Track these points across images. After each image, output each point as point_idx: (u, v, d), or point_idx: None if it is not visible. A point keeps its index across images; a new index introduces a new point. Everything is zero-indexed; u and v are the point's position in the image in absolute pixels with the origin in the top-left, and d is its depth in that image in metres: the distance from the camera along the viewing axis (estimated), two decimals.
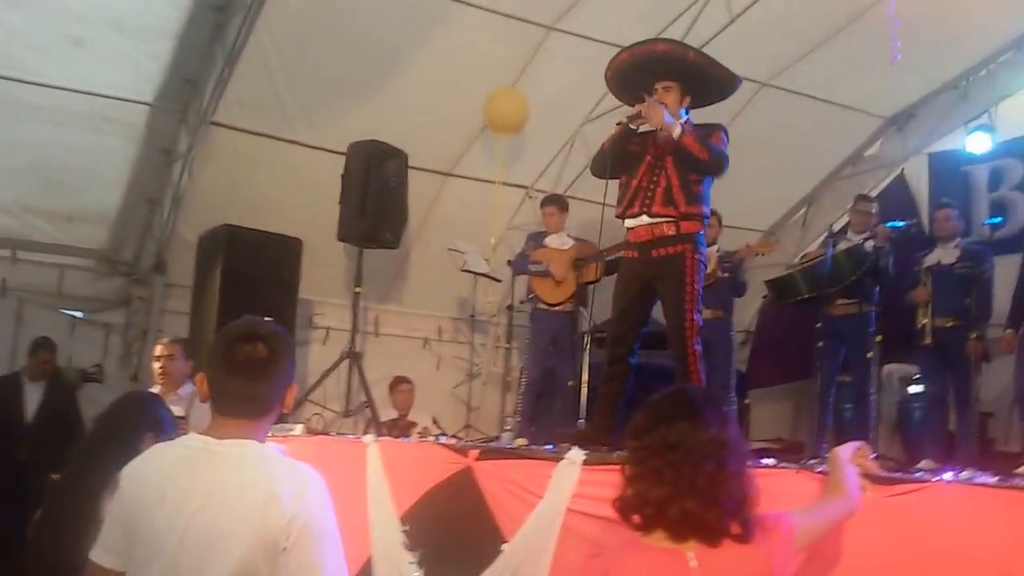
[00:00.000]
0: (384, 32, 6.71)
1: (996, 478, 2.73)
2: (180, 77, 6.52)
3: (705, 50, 7.04)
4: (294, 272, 7.03)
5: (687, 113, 4.53)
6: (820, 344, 6.23)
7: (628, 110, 4.57)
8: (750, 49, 6.67)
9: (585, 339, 7.73)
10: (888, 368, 7.88)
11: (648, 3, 6.91)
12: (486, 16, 6.72)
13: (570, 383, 6.47)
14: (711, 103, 4.70)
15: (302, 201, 7.24)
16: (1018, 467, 5.67)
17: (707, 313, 6.47)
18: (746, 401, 8.29)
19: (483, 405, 8.27)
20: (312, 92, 6.94)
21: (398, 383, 7.57)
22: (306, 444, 4.85)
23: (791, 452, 7.39)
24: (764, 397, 8.96)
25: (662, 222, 4.35)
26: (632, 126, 4.42)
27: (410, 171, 7.23)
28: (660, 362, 7.76)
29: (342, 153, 6.77)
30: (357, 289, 6.61)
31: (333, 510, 2.17)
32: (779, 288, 6.87)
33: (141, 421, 3.32)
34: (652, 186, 4.37)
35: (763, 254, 7.13)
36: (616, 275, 4.67)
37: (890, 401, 7.86)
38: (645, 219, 4.37)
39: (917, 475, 2.90)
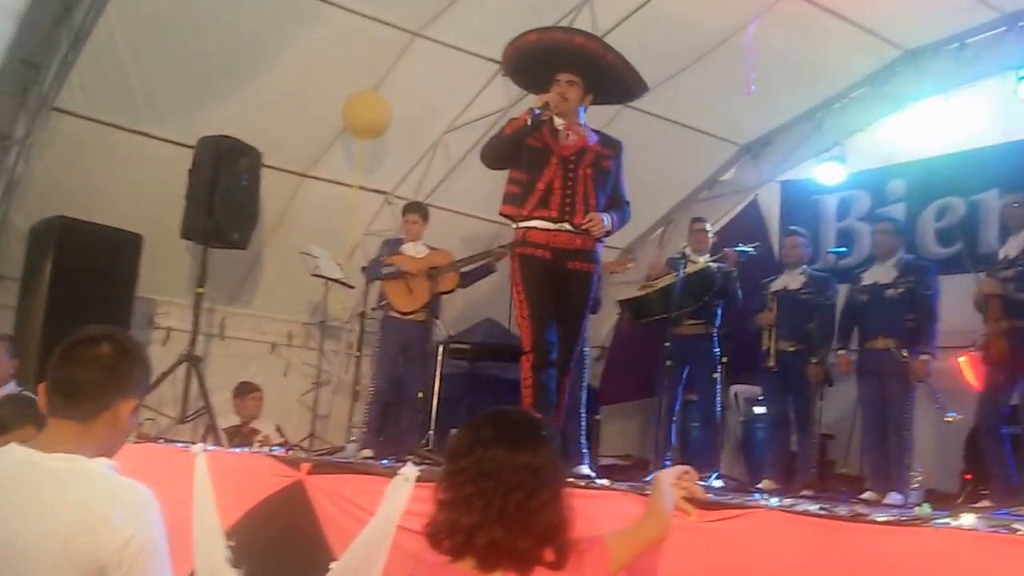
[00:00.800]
0: (245, 26, 6.46)
1: (819, 507, 2.77)
2: (19, 59, 6.10)
3: None
4: (132, 269, 6.70)
5: (584, 111, 4.39)
6: (667, 363, 6.30)
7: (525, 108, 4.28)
8: None
9: (439, 350, 7.65)
10: (735, 388, 8.11)
11: (516, 16, 6.85)
12: (351, 18, 6.56)
13: (420, 395, 6.31)
14: (610, 103, 4.64)
15: (146, 195, 6.89)
16: (861, 492, 5.96)
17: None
18: (597, 417, 8.37)
19: (332, 414, 8.05)
20: (163, 82, 6.60)
21: (248, 390, 7.26)
22: (129, 451, 4.56)
23: (637, 468, 7.50)
24: (616, 413, 9.07)
25: (584, 235, 4.22)
26: (542, 116, 4.17)
27: (265, 170, 7.04)
28: (506, 375, 7.85)
29: (191, 147, 6.51)
30: (199, 289, 6.35)
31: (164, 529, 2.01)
32: (635, 308, 6.96)
33: None
34: (569, 192, 4.19)
35: (619, 272, 7.20)
36: (520, 273, 4.29)
37: (736, 421, 8.10)
38: (567, 227, 4.19)
39: (742, 500, 2.92)
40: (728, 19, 6.20)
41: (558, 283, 4.24)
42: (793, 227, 7.10)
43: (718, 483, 5.90)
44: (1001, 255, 5.56)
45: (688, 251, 6.77)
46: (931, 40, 7.37)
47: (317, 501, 3.68)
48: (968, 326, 5.81)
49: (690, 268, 6.48)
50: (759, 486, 6.19)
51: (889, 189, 7.87)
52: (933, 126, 7.54)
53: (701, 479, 5.64)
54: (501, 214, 4.40)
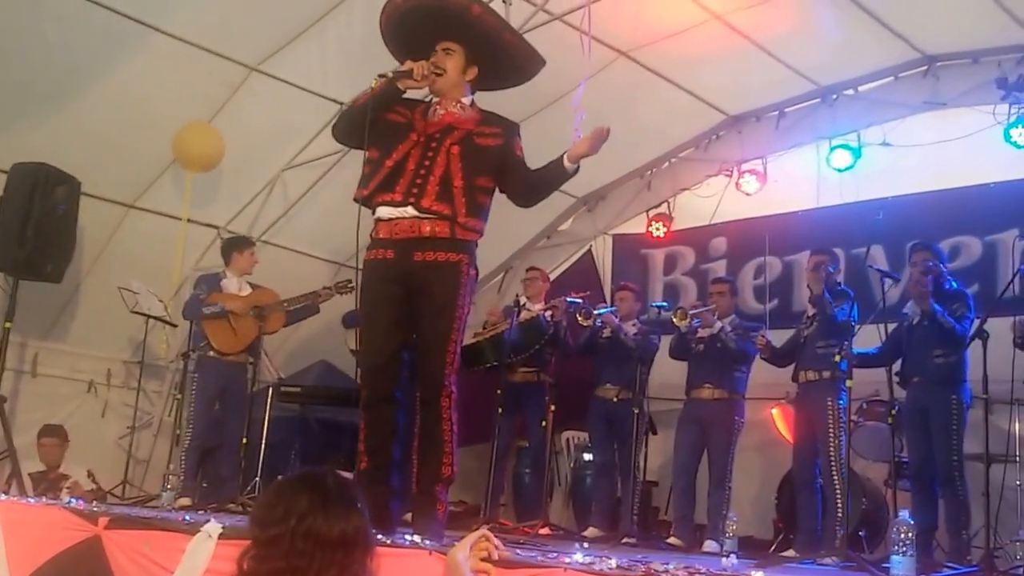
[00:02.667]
0: (68, 49, 6.17)
1: (616, 563, 2.83)
2: None
3: None
4: None
5: (472, 92, 3.79)
6: (500, 410, 6.35)
7: None
8: None
9: (268, 393, 7.44)
10: (567, 435, 8.27)
11: (357, 58, 6.87)
12: (186, 48, 6.37)
13: (244, 440, 6.10)
14: (507, 85, 3.92)
15: None
16: (667, 537, 6.15)
17: None
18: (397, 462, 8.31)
19: (154, 458, 7.69)
20: None
21: (45, 434, 6.81)
22: None
23: (470, 514, 7.50)
24: (463, 456, 9.04)
25: (434, 219, 3.50)
26: (399, 85, 3.58)
27: (87, 200, 6.73)
28: (339, 419, 7.73)
29: (3, 172, 6.18)
30: (7, 323, 5.98)
31: None
32: (467, 356, 6.97)
33: None
34: (423, 172, 3.53)
35: None
36: (363, 287, 3.67)
37: (567, 467, 8.24)
38: (411, 211, 3.50)
39: (544, 558, 2.96)
40: (565, 75, 6.39)
41: (406, 286, 3.54)
42: (624, 281, 7.37)
43: (544, 531, 5.97)
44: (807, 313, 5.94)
45: (523, 299, 6.88)
46: (753, 107, 7.88)
47: (114, 558, 3.50)
48: (780, 379, 6.15)
49: (523, 316, 6.58)
50: (584, 534, 6.31)
51: (711, 247, 8.30)
52: (753, 188, 8.01)
53: (528, 530, 5.73)
54: (354, 200, 3.65)
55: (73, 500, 4.36)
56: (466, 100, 3.75)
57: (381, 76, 3.58)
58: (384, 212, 3.57)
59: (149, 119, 6.66)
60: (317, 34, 6.58)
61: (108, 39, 6.21)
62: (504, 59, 3.78)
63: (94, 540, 3.64)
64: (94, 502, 4.98)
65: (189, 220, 7.15)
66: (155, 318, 7.00)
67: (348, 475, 4.59)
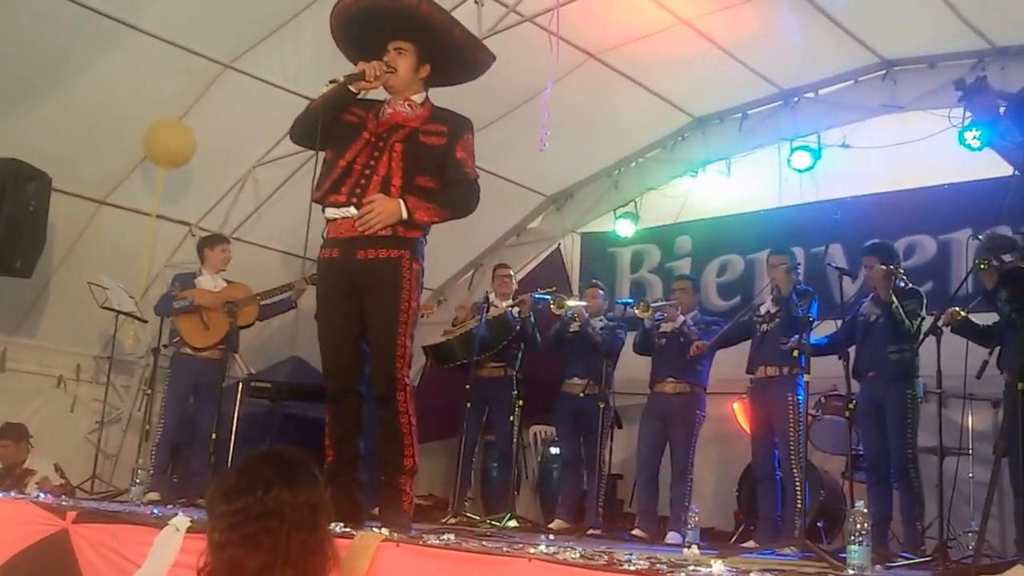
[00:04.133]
0: (42, 46, 6.16)
1: (579, 553, 2.92)
2: None
3: None
4: None
5: (425, 89, 3.80)
6: (467, 405, 6.44)
7: None
8: None
9: (239, 388, 7.46)
10: (535, 429, 8.38)
11: (329, 55, 6.90)
12: (158, 44, 6.38)
13: (213, 435, 6.13)
14: (459, 81, 3.94)
15: None
16: (632, 529, 6.27)
17: None
18: (362, 456, 8.37)
19: (123, 453, 7.68)
20: None
21: (2, 436, 6.70)
22: None
23: (438, 508, 7.59)
24: (421, 453, 9.10)
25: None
26: (352, 88, 3.62)
27: (58, 196, 6.72)
28: (309, 414, 7.75)
29: None
30: None
31: None
32: (438, 354, 7.06)
33: None
34: (368, 172, 3.59)
35: (426, 316, 7.30)
36: (317, 287, 3.83)
37: (534, 461, 8.35)
38: (353, 211, 3.55)
39: (508, 548, 3.04)
40: (535, 76, 6.48)
41: (352, 283, 3.61)
42: (593, 279, 7.48)
43: (512, 524, 6.08)
44: (763, 310, 6.08)
45: (492, 296, 6.98)
46: (717, 109, 8.02)
47: (81, 551, 3.53)
48: (742, 374, 6.29)
49: (491, 313, 6.68)
50: (550, 526, 6.42)
51: (677, 245, 8.44)
52: (716, 188, 8.15)
53: (497, 520, 5.83)
54: (312, 200, 3.71)
55: (41, 494, 4.38)
56: (417, 98, 3.75)
57: (332, 81, 3.65)
58: (330, 212, 3.64)
59: (121, 115, 6.67)
60: (290, 32, 6.62)
61: (81, 35, 6.21)
62: (455, 56, 3.81)
63: (61, 534, 3.66)
64: (62, 496, 5.00)
65: (160, 217, 7.20)
66: (125, 314, 6.99)
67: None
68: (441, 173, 3.70)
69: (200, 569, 2.09)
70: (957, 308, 5.12)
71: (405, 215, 3.52)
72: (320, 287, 3.75)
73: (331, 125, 3.63)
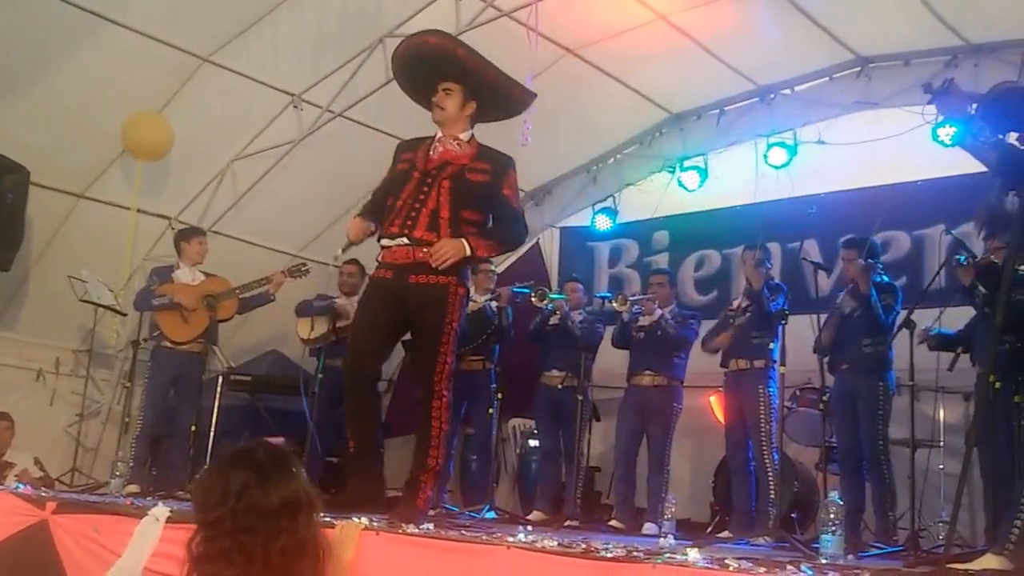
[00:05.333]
0: (19, 39, 6.17)
1: (557, 542, 2.97)
2: None
3: (360, 105, 7.31)
4: None
5: (472, 125, 4.16)
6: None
7: None
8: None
9: (219, 382, 7.48)
10: (513, 422, 8.42)
11: (307, 50, 6.95)
12: (136, 38, 6.39)
13: (193, 428, 6.15)
14: (503, 117, 4.34)
15: None
16: (609, 520, 6.33)
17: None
18: (381, 449, 8.40)
19: (103, 446, 7.67)
20: None
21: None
22: None
23: None
24: (401, 446, 9.13)
25: (424, 247, 3.90)
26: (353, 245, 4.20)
27: (36, 189, 6.71)
28: (288, 408, 7.79)
29: None
30: None
31: None
32: None
33: None
34: (417, 205, 3.95)
35: None
36: (364, 297, 4.22)
37: (513, 454, 8.39)
38: (404, 240, 3.93)
39: (486, 537, 3.09)
40: (513, 71, 6.48)
41: (402, 302, 3.97)
42: (573, 274, 7.52)
43: (490, 515, 6.11)
44: (735, 304, 6.15)
45: (472, 291, 7.00)
46: (694, 105, 8.09)
47: (61, 542, 3.55)
48: (717, 367, 6.35)
49: (470, 307, 6.70)
50: (529, 517, 6.46)
51: (655, 240, 8.51)
52: (694, 184, 8.22)
53: (476, 511, 5.86)
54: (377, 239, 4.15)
55: (20, 485, 4.39)
56: (464, 136, 4.12)
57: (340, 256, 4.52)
58: (385, 242, 4.04)
59: (99, 109, 6.67)
60: (269, 25, 6.64)
61: (59, 29, 6.20)
62: (495, 95, 4.20)
63: (41, 525, 3.67)
64: (42, 488, 5.00)
65: (139, 210, 7.17)
66: (104, 307, 6.99)
67: (278, 440, 4.86)
68: (485, 207, 4.07)
69: None
70: (924, 329, 5.22)
71: (469, 252, 3.91)
72: (368, 297, 4.18)
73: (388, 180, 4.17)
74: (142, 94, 6.76)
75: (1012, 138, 3.35)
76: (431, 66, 4.12)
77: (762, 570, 2.46)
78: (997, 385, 4.28)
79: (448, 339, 3.93)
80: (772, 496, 5.52)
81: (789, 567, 2.52)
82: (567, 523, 6.02)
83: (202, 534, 2.07)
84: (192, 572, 2.08)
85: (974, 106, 3.56)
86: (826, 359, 5.36)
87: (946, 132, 6.52)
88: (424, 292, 3.92)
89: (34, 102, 6.48)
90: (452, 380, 6.10)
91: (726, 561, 2.58)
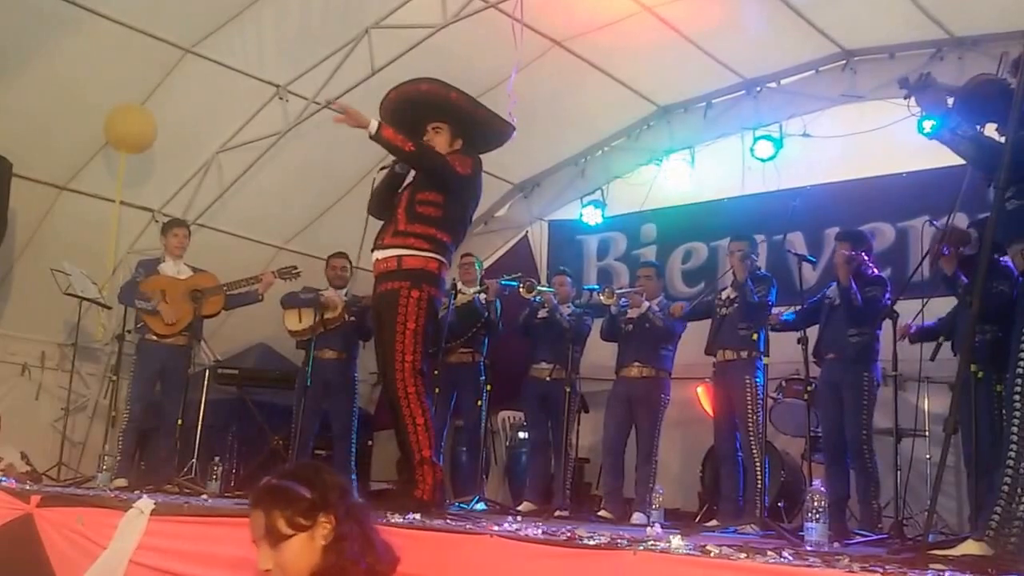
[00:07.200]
0: (0, 31, 6.10)
1: (542, 531, 2.99)
2: None
3: (346, 97, 7.29)
4: None
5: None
6: (436, 390, 6.46)
7: None
8: None
9: (205, 375, 7.46)
10: (503, 414, 8.43)
11: (291, 41, 6.92)
12: (119, 29, 6.36)
13: (179, 421, 6.13)
14: (488, 149, 4.59)
15: None
16: (598, 511, 6.34)
17: (331, 354, 6.59)
18: (370, 442, 8.43)
19: (89, 440, 7.65)
20: None
21: None
22: None
23: (408, 493, 7.61)
24: (389, 438, 9.14)
25: (388, 256, 4.20)
26: (398, 169, 4.34)
27: (18, 181, 6.66)
28: (275, 401, 7.78)
29: None
30: None
31: None
32: None
33: None
34: (393, 215, 4.26)
35: None
36: None
37: (502, 446, 8.41)
38: (377, 254, 4.25)
39: (472, 526, 3.10)
40: (500, 63, 6.51)
41: (376, 309, 4.35)
42: (561, 267, 7.52)
43: (480, 506, 6.12)
44: (723, 295, 6.17)
45: (459, 284, 7.00)
46: (681, 98, 8.10)
47: (46, 534, 3.55)
48: (705, 359, 6.37)
49: (458, 300, 6.71)
50: (518, 508, 6.48)
51: (643, 233, 8.53)
52: (681, 176, 8.23)
53: (465, 503, 5.86)
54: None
55: (4, 479, 4.37)
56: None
57: (383, 167, 4.46)
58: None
59: (82, 101, 6.63)
60: (252, 16, 6.61)
61: (40, 20, 6.16)
62: (481, 130, 4.49)
63: (26, 518, 3.68)
64: (28, 482, 4.98)
65: (123, 203, 7.14)
66: (89, 300, 6.95)
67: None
68: (440, 187, 4.23)
69: None
70: (904, 325, 5.27)
71: (375, 126, 4.09)
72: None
73: (384, 200, 4.38)
74: (125, 86, 6.72)
75: (990, 129, 3.37)
76: (419, 109, 4.41)
77: (743, 556, 2.47)
78: (980, 375, 4.32)
79: (403, 339, 4.10)
80: (759, 485, 5.54)
81: (770, 554, 2.54)
82: (556, 514, 6.04)
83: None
84: None
85: (951, 100, 3.58)
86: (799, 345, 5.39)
87: (931, 125, 6.54)
88: (383, 298, 4.22)
89: (16, 94, 6.44)
90: (438, 373, 6.30)
91: (707, 548, 2.60)
